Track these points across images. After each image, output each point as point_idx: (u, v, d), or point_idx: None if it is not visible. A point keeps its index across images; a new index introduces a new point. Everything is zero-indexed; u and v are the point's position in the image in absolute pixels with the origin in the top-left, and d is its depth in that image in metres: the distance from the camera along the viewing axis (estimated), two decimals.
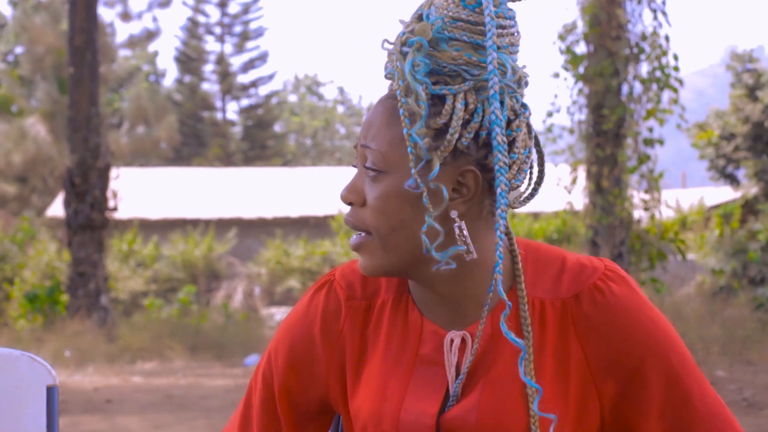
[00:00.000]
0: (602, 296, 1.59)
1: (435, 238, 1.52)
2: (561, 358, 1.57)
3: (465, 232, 1.53)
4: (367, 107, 62.57)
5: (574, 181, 15.20)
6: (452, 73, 1.52)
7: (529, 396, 1.54)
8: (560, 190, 15.17)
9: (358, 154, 1.60)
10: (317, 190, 31.71)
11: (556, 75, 15.08)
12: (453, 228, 1.53)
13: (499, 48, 1.53)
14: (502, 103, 1.52)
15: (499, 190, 1.48)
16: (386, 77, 1.58)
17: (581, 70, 15.04)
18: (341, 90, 65.59)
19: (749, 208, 30.03)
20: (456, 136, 1.50)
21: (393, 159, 1.54)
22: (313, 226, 27.92)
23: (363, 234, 1.59)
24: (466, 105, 1.51)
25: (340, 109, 63.60)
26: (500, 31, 1.53)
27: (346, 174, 35.64)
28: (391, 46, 1.55)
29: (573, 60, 15.06)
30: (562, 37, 15.21)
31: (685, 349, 1.63)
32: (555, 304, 1.59)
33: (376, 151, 1.55)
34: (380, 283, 1.69)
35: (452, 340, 1.60)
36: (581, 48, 15.18)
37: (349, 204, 1.60)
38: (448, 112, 1.50)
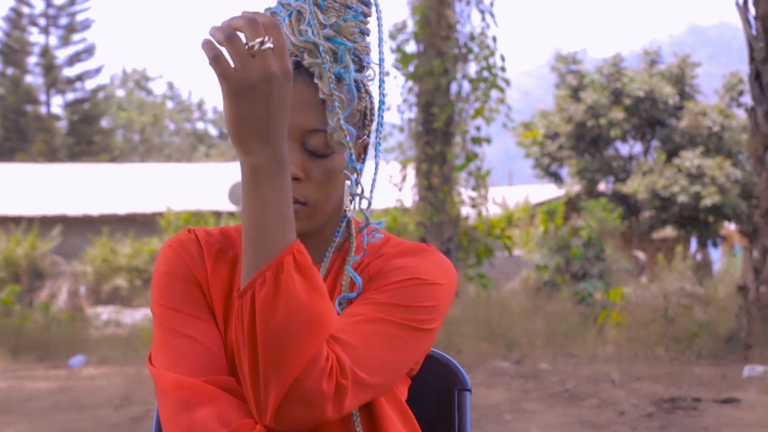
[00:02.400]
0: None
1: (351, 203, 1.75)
2: None
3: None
4: (198, 103, 61.84)
5: (404, 179, 15.36)
6: (360, 60, 1.73)
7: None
8: (390, 188, 15.32)
9: (295, 134, 1.68)
10: (145, 186, 31.18)
11: (387, 73, 15.21)
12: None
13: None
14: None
15: (376, 160, 1.78)
16: (307, 67, 1.67)
17: (411, 68, 15.21)
18: (170, 85, 64.63)
19: (572, 205, 30.96)
20: (378, 119, 1.76)
21: (334, 142, 1.68)
22: (141, 224, 27.43)
23: (298, 204, 1.69)
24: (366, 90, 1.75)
25: (170, 104, 62.62)
26: (369, 19, 1.76)
27: (176, 171, 35.17)
28: (316, 39, 1.66)
29: (403, 59, 15.21)
30: (392, 36, 15.35)
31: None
32: (372, 257, 1.77)
33: (325, 134, 1.68)
34: (234, 240, 1.81)
35: None
36: (411, 47, 15.36)
37: (295, 179, 1.69)
38: (364, 97, 1.74)
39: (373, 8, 1.75)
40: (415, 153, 15.24)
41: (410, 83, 15.28)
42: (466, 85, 15.26)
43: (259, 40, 1.48)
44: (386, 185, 15.17)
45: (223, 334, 1.72)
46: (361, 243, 1.78)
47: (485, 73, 15.16)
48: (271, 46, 1.49)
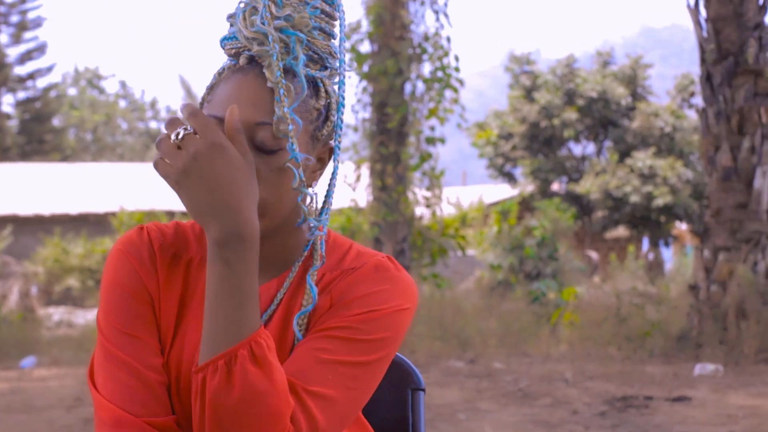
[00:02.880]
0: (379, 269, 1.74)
1: (310, 205, 1.70)
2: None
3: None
4: (151, 102, 61.42)
5: (358, 179, 15.36)
6: (317, 58, 1.71)
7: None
8: (345, 187, 15.30)
9: (243, 129, 1.63)
10: (98, 186, 30.93)
11: (348, 76, 15.17)
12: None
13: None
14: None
15: (336, 163, 1.76)
16: (257, 57, 1.66)
17: (365, 68, 15.21)
18: (123, 84, 64.08)
19: (526, 205, 31.11)
20: (335, 118, 1.73)
21: (283, 138, 1.64)
22: (94, 224, 27.21)
23: None
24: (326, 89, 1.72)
25: (122, 103, 62.13)
26: (335, 22, 1.74)
27: (128, 170, 34.90)
28: (265, 28, 1.64)
29: (357, 58, 15.20)
30: (347, 36, 15.28)
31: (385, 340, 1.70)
32: (334, 273, 1.74)
33: (273, 130, 1.63)
34: (188, 240, 1.78)
35: None
36: (365, 47, 15.35)
37: None
38: (323, 96, 1.71)
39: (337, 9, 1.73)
40: (370, 153, 15.24)
41: (364, 83, 15.27)
42: (421, 85, 15.28)
43: (175, 132, 1.54)
44: (341, 185, 15.15)
45: (169, 348, 1.71)
46: (320, 252, 1.76)
47: (439, 74, 15.19)
48: (190, 130, 1.54)
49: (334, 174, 1.78)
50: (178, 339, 1.71)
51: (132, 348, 1.67)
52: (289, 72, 1.65)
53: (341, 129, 1.76)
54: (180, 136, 1.53)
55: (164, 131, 1.55)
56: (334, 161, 1.77)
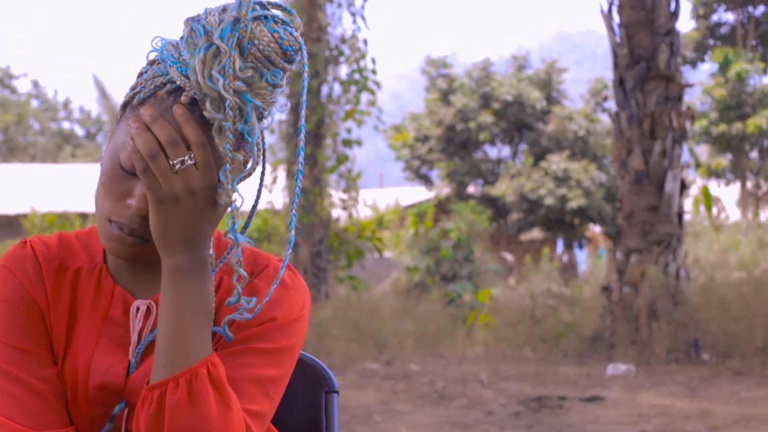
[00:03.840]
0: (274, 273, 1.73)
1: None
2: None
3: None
4: (64, 102, 60.51)
5: (274, 181, 15.29)
6: (261, 114, 1.61)
7: None
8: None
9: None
10: (9, 187, 30.37)
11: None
12: None
13: None
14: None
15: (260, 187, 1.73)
16: (208, 118, 1.54)
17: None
18: (35, 84, 63.00)
19: (442, 207, 31.29)
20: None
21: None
22: (5, 225, 26.73)
23: (139, 240, 1.62)
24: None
25: (34, 103, 61.04)
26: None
27: (41, 171, 34.34)
28: (224, 91, 1.51)
29: None
30: None
31: (284, 348, 1.69)
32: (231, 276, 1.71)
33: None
34: (74, 250, 1.76)
35: (138, 308, 1.70)
36: None
37: (142, 217, 1.59)
38: (244, 119, 1.54)
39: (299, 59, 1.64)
40: (286, 155, 15.19)
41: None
42: (337, 88, 15.28)
43: (180, 159, 1.51)
44: (257, 187, 15.08)
45: (62, 358, 1.70)
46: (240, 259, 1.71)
47: (356, 76, 15.20)
48: (192, 162, 1.52)
49: (255, 205, 1.76)
50: (72, 349, 1.70)
51: (23, 362, 1.65)
52: (239, 137, 1.56)
53: (301, 174, 1.70)
54: (183, 165, 1.52)
55: (162, 136, 1.52)
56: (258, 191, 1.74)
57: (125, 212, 1.60)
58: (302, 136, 1.69)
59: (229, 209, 1.56)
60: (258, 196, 1.76)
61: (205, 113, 1.53)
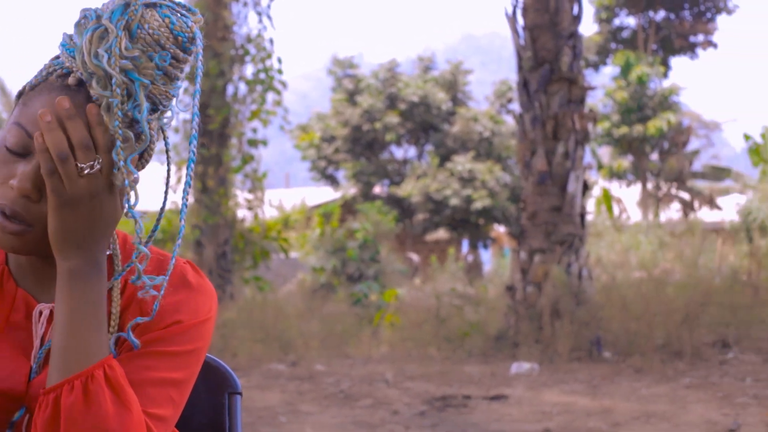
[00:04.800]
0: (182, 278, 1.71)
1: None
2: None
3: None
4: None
5: (179, 181, 15.13)
6: (155, 104, 1.59)
7: None
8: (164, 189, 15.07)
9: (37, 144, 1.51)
10: None
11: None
12: None
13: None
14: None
15: (187, 182, 1.66)
16: (95, 99, 1.53)
17: (187, 69, 15.00)
18: None
19: (348, 207, 31.30)
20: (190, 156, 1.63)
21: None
22: None
23: (23, 227, 1.57)
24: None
25: None
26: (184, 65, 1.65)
27: None
28: (110, 68, 1.51)
29: None
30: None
31: (190, 348, 1.67)
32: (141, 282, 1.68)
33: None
34: None
35: (41, 312, 1.66)
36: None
37: (25, 197, 1.55)
38: (143, 139, 1.55)
39: (194, 53, 1.64)
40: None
41: (185, 84, 15.03)
42: (243, 87, 15.19)
43: (89, 163, 1.50)
44: (161, 187, 14.92)
45: None
46: (136, 267, 1.69)
47: (262, 75, 15.12)
48: (99, 167, 1.51)
49: (162, 207, 1.75)
50: None
51: None
52: (128, 117, 1.54)
53: (194, 163, 1.66)
54: (92, 170, 1.50)
55: (74, 136, 1.49)
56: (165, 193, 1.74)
57: (8, 194, 1.55)
58: (195, 124, 1.67)
59: (131, 211, 1.55)
60: (165, 199, 1.76)
61: (91, 92, 1.52)
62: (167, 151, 1.70)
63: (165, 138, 1.70)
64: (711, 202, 33.38)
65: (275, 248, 15.86)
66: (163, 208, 1.76)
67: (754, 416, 7.58)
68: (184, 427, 1.92)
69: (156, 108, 1.60)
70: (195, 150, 1.67)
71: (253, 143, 15.09)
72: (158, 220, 1.74)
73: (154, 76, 1.56)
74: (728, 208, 31.41)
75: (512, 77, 31.64)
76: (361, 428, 7.48)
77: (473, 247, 32.54)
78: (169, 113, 1.64)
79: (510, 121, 32.07)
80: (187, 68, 1.65)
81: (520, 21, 12.19)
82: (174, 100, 1.65)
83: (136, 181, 1.55)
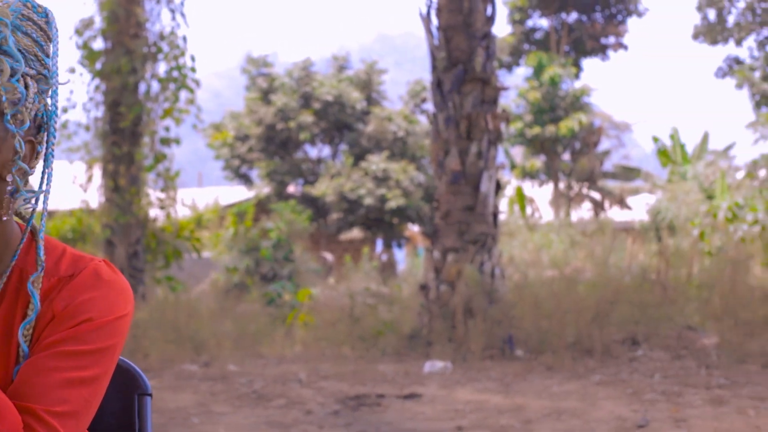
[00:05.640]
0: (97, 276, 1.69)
1: (27, 207, 1.68)
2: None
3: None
4: None
5: (90, 179, 14.92)
6: (27, 59, 1.63)
7: (21, 357, 1.63)
8: (76, 188, 14.84)
9: None
10: None
11: (72, 70, 14.73)
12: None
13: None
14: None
15: (48, 169, 1.68)
16: None
17: (98, 66, 14.80)
18: None
19: (262, 207, 31.16)
20: (31, 109, 1.62)
21: None
22: None
23: None
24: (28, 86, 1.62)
25: None
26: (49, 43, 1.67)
27: None
28: None
29: (90, 56, 14.78)
30: (79, 32, 14.88)
31: (100, 347, 1.66)
32: (52, 280, 1.67)
33: None
34: None
35: None
36: (99, 44, 14.94)
37: None
38: (20, 88, 1.60)
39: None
40: (102, 153, 14.84)
41: (97, 81, 14.85)
42: (155, 85, 15.02)
43: None
44: (71, 186, 14.69)
45: None
46: (37, 257, 1.69)
47: (175, 73, 14.98)
48: None
49: (48, 181, 1.71)
50: None
51: None
52: None
53: (54, 137, 1.69)
54: None
55: None
56: (46, 168, 1.70)
57: None
58: (55, 102, 1.69)
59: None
60: (45, 181, 1.71)
61: None
62: (50, 133, 1.69)
63: (54, 108, 1.69)
64: (621, 202, 33.95)
65: (188, 248, 15.72)
66: (47, 189, 1.72)
67: (662, 412, 7.72)
68: (94, 429, 1.90)
69: (42, 76, 1.65)
70: (56, 130, 1.69)
71: (165, 142, 14.94)
72: (47, 191, 1.71)
73: (9, 17, 1.59)
74: (638, 208, 32.01)
75: (426, 77, 31.82)
76: (275, 428, 7.45)
77: (387, 246, 32.63)
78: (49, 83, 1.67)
79: (424, 121, 32.21)
80: (50, 46, 1.67)
81: (435, 21, 12.26)
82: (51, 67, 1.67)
83: (19, 99, 1.58)
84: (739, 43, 37.92)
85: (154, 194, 15.14)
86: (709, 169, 26.64)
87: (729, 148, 33.77)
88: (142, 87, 14.93)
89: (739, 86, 36.27)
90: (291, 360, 11.17)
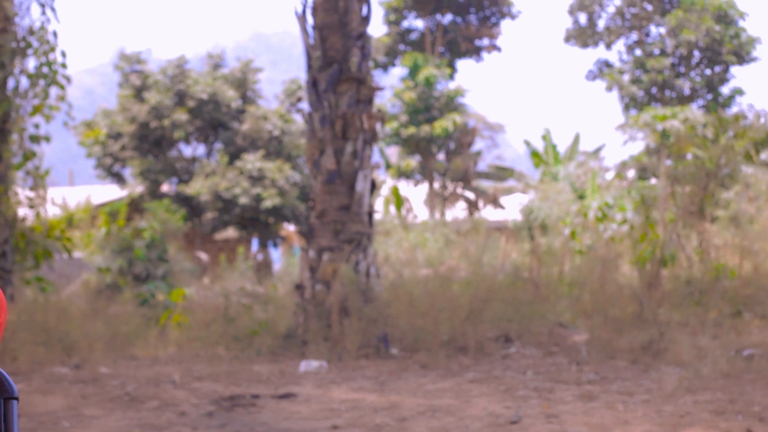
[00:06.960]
0: None
1: None
2: None
3: None
4: None
5: None
6: None
7: None
8: None
9: None
10: None
11: None
12: None
13: None
14: None
15: None
16: None
17: None
18: None
19: (135, 206, 30.69)
20: None
21: None
22: None
23: None
24: None
25: None
26: None
27: None
28: None
29: None
30: None
31: None
32: None
33: None
34: None
35: None
36: None
37: None
38: None
39: None
40: None
41: None
42: (25, 81, 14.67)
43: None
44: None
45: None
46: None
47: (45, 69, 14.65)
48: None
49: None
50: None
51: None
52: None
53: None
54: None
55: None
56: None
57: None
58: None
59: None
60: None
61: None
62: None
63: None
64: (495, 202, 34.44)
65: (58, 248, 15.39)
66: None
67: (534, 408, 7.86)
68: None
69: None
70: None
71: (35, 139, 14.60)
72: None
73: None
74: (511, 208, 32.50)
75: (302, 76, 31.78)
76: (148, 431, 7.35)
77: (263, 245, 32.47)
78: None
79: (300, 120, 32.16)
80: None
81: (310, 20, 12.26)
82: None
83: None
84: (609, 46, 38.89)
85: (23, 193, 14.79)
86: (580, 169, 27.22)
87: (599, 149, 34.59)
88: (11, 83, 14.56)
89: (609, 89, 37.19)
90: (164, 361, 11.03)
